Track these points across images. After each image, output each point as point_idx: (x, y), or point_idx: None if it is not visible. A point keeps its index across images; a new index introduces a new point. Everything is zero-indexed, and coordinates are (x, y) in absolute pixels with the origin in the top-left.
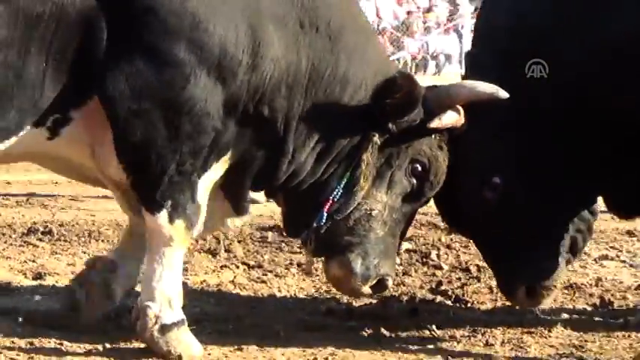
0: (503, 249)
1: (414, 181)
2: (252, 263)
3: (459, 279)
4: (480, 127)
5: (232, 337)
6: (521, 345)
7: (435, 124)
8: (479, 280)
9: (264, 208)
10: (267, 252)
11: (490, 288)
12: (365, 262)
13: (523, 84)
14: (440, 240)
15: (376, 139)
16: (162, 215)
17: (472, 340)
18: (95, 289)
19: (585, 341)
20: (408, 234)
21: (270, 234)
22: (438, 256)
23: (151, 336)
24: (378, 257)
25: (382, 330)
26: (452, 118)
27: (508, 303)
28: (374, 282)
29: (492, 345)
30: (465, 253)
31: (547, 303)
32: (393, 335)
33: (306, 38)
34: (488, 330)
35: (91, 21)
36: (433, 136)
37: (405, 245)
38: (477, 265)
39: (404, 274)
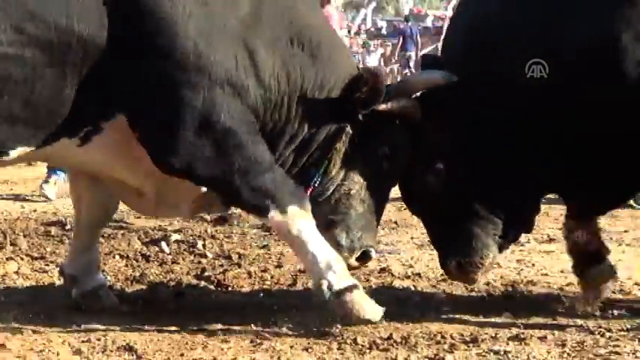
0: (441, 228)
1: (385, 163)
2: (35, 255)
3: (222, 265)
4: (431, 118)
5: (14, 323)
6: (274, 322)
7: (382, 107)
8: (239, 267)
9: (49, 206)
10: (49, 245)
11: (249, 273)
12: (349, 236)
13: (469, 82)
14: (206, 231)
15: (348, 129)
16: (274, 213)
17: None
18: None
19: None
20: (178, 226)
21: (53, 229)
22: (204, 245)
23: (330, 304)
24: (361, 231)
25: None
26: (403, 104)
27: (265, 286)
28: (359, 254)
29: (249, 324)
30: (227, 242)
31: (475, 279)
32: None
33: (295, 54)
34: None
35: (110, 56)
36: (397, 123)
37: (175, 237)
38: (238, 253)
39: (172, 262)
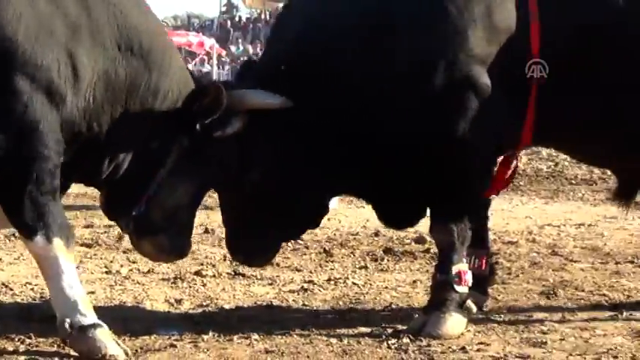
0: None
1: (213, 171)
2: None
3: None
4: (250, 129)
5: None
6: None
7: (219, 132)
8: None
9: None
10: None
11: None
12: (175, 242)
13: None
14: None
15: (185, 140)
16: (40, 239)
17: None
18: None
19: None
20: None
21: None
22: None
23: (72, 341)
24: (181, 236)
25: None
26: (238, 121)
27: None
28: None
29: None
30: None
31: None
32: None
33: (123, 59)
34: None
35: None
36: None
37: None
38: None
39: None
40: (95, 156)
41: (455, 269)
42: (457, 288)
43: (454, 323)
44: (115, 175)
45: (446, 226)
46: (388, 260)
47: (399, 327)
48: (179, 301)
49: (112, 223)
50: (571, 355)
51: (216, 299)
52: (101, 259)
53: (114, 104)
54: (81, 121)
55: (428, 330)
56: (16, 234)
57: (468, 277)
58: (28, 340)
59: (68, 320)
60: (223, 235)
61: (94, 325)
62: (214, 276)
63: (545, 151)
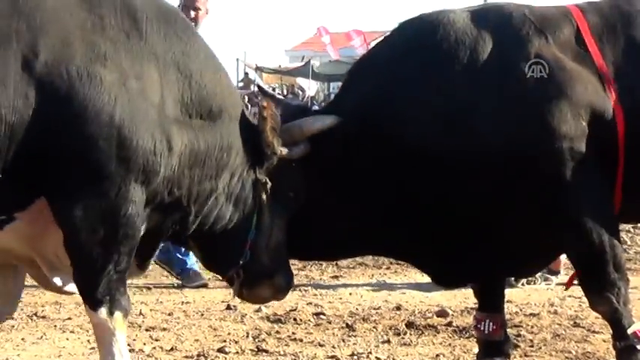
0: None
1: (292, 203)
2: None
3: None
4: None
5: None
6: None
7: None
8: None
9: None
10: None
11: None
12: (285, 279)
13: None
14: None
15: (265, 180)
16: (104, 311)
17: None
18: None
19: None
20: None
21: None
22: None
23: None
24: (290, 271)
25: None
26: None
27: None
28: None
29: None
30: None
31: None
32: None
33: (199, 127)
34: None
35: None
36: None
37: None
38: None
39: None
40: (179, 219)
41: (630, 331)
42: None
43: None
44: (204, 230)
45: (601, 296)
46: (411, 334)
47: None
48: None
49: (135, 299)
50: None
51: None
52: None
53: (192, 169)
54: (164, 190)
55: None
56: (38, 314)
57: None
58: None
59: None
60: (245, 312)
61: None
62: (237, 353)
63: None
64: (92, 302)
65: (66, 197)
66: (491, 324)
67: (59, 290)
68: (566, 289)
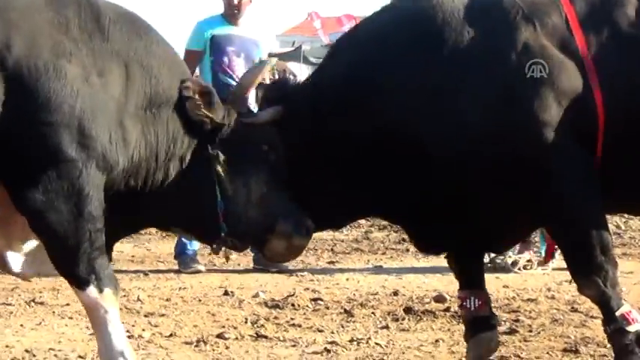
0: None
1: (268, 158)
2: None
3: None
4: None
5: None
6: None
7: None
8: None
9: None
10: None
11: None
12: (290, 224)
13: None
14: None
15: (217, 153)
16: (92, 290)
17: None
18: None
19: None
20: None
21: None
22: None
23: None
24: (291, 215)
25: None
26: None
27: None
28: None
29: None
30: None
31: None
32: None
33: (152, 120)
34: None
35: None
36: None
37: None
38: None
39: None
40: (144, 203)
41: (618, 314)
42: (629, 329)
43: None
44: (169, 215)
45: (588, 279)
46: (409, 320)
47: None
48: None
49: (132, 285)
50: None
51: None
52: (122, 323)
53: (148, 159)
54: (121, 180)
55: None
56: (36, 300)
57: (634, 315)
58: None
59: None
60: (243, 297)
61: None
62: (237, 338)
63: None
64: (78, 282)
65: (28, 181)
66: (476, 300)
67: (18, 275)
68: (546, 262)
